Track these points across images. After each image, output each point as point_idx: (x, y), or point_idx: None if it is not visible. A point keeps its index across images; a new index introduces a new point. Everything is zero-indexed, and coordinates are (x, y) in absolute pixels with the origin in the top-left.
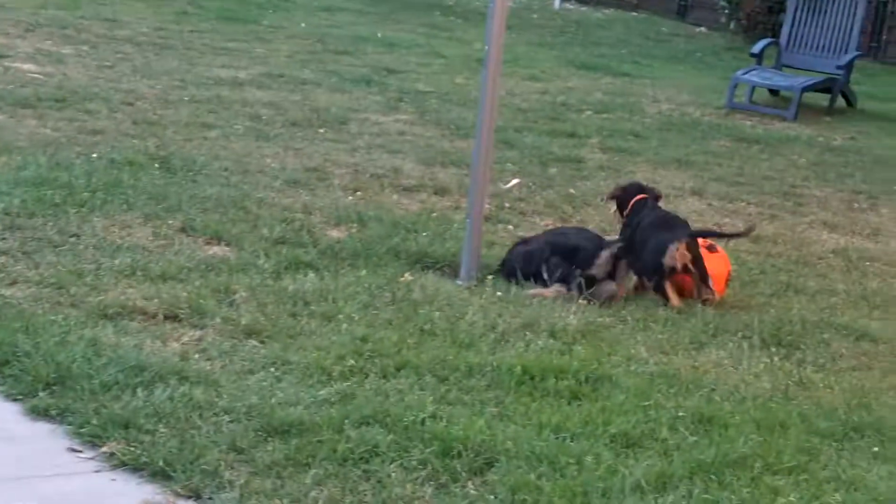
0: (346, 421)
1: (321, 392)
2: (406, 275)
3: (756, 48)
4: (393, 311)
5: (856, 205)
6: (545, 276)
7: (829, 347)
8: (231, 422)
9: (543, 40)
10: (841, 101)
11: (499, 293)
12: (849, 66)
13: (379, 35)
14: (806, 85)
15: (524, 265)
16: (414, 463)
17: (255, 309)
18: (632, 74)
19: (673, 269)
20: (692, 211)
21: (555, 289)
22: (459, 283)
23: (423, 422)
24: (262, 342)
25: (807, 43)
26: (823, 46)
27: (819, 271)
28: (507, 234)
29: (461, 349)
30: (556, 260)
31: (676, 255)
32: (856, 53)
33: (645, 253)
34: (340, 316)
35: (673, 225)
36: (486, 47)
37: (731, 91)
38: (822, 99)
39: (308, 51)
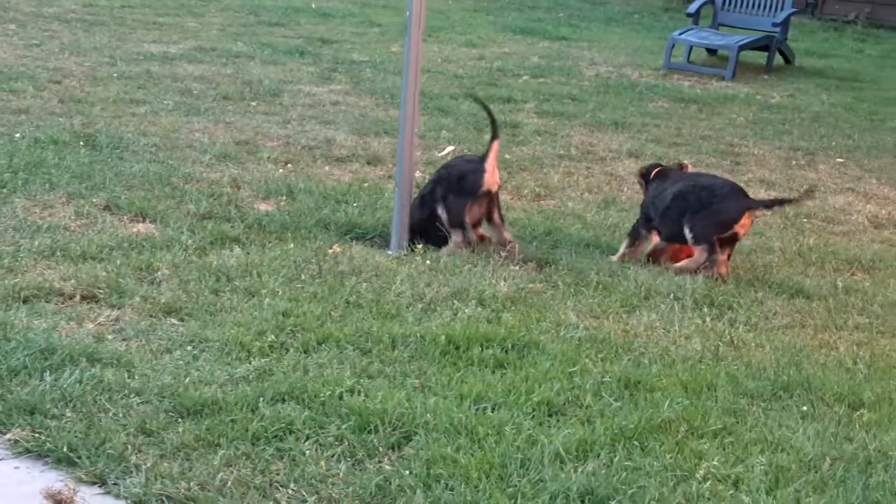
0: (261, 399)
1: (238, 370)
2: (334, 247)
3: (692, 8)
4: (319, 284)
5: (794, 162)
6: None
7: (762, 306)
8: (142, 403)
9: (480, 6)
10: (779, 59)
11: (428, 262)
12: (785, 23)
13: (313, 6)
14: (743, 43)
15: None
16: (330, 439)
17: (176, 286)
18: (569, 38)
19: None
20: (629, 174)
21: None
22: (389, 253)
23: (340, 396)
24: (181, 320)
25: (743, 1)
26: (759, 4)
27: (755, 229)
28: None
29: (386, 320)
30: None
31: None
32: (791, 10)
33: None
34: (264, 291)
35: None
36: (408, 12)
37: (669, 52)
38: (760, 57)
39: (241, 23)
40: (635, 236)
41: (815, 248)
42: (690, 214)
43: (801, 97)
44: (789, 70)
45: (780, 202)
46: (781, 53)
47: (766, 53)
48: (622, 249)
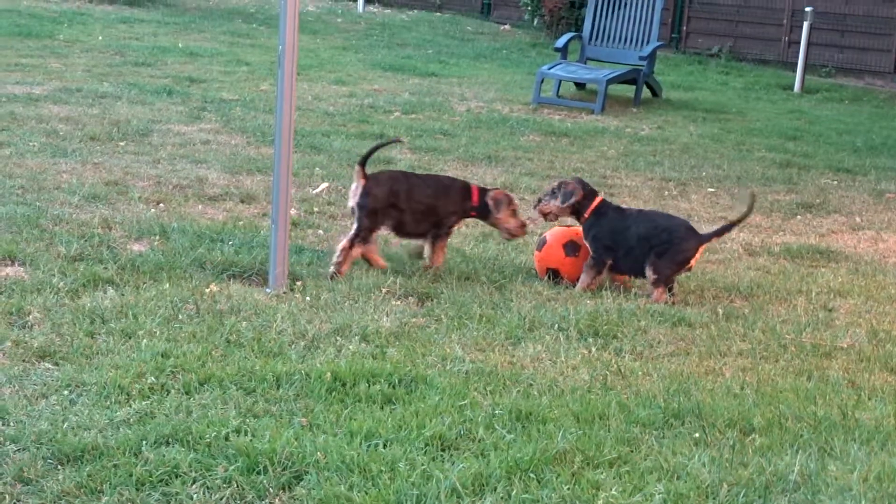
0: (144, 442)
1: (118, 413)
2: (211, 286)
3: (560, 43)
4: (197, 324)
5: (666, 192)
6: None
7: (646, 335)
8: (18, 451)
9: (349, 44)
10: (646, 92)
11: (308, 299)
12: (651, 57)
13: (180, 45)
14: (611, 77)
15: None
16: (217, 482)
17: (49, 330)
18: (439, 74)
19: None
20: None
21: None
22: (268, 291)
23: (226, 437)
24: (55, 364)
25: (609, 35)
26: (625, 38)
27: None
28: (317, 239)
29: (269, 359)
30: None
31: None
32: (657, 44)
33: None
34: (141, 332)
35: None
36: (280, 47)
37: (538, 86)
38: (628, 90)
39: (107, 64)
40: (598, 266)
41: (693, 276)
42: (655, 257)
43: (669, 129)
44: (657, 103)
45: (728, 228)
46: (649, 86)
47: (634, 87)
48: (587, 280)
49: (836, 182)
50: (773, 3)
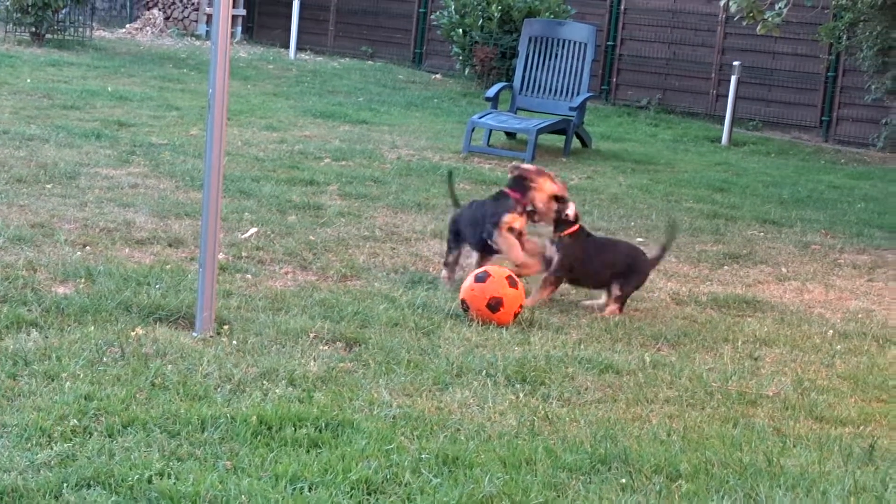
0: (65, 485)
1: (39, 455)
2: (137, 329)
3: (490, 92)
4: (122, 367)
5: None
6: None
7: (573, 381)
8: None
9: (280, 90)
10: (576, 142)
11: (235, 343)
12: (581, 108)
13: (109, 89)
14: (541, 127)
15: None
16: None
17: None
18: (369, 122)
19: None
20: (435, 253)
21: None
22: (195, 335)
23: (149, 480)
24: None
25: (540, 86)
26: (556, 89)
27: (561, 307)
28: (245, 284)
29: (194, 402)
30: None
31: None
32: (587, 95)
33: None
34: (64, 374)
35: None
36: (210, 91)
37: (469, 135)
38: (558, 140)
39: (34, 106)
40: (557, 283)
41: (620, 324)
42: (621, 279)
43: (599, 179)
44: (587, 153)
45: (664, 249)
46: (579, 137)
47: (564, 137)
48: (543, 294)
49: (762, 233)
50: (702, 57)
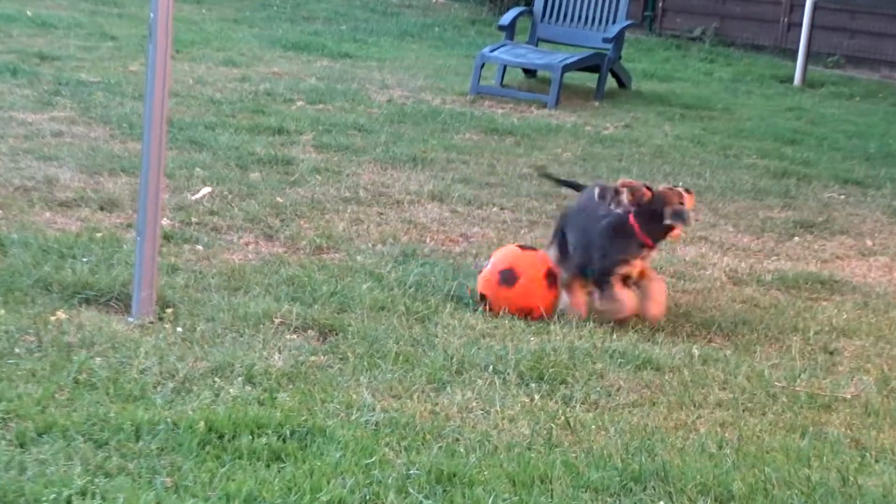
0: None
1: None
2: (58, 312)
3: (505, 19)
4: (38, 360)
5: None
6: None
7: (602, 380)
8: None
9: (241, 16)
10: (611, 82)
11: (181, 330)
12: (618, 39)
13: (29, 13)
14: (567, 63)
15: None
16: None
17: None
18: (354, 55)
19: None
20: (432, 220)
21: None
22: (130, 320)
23: (69, 500)
24: None
25: (566, 12)
26: (586, 16)
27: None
28: (195, 257)
29: (127, 404)
30: None
31: None
32: (625, 23)
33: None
34: None
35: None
36: (152, 16)
37: (477, 72)
38: (589, 79)
39: None
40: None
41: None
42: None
43: (639, 128)
44: (624, 95)
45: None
46: (615, 75)
47: (597, 75)
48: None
49: (843, 196)
50: None
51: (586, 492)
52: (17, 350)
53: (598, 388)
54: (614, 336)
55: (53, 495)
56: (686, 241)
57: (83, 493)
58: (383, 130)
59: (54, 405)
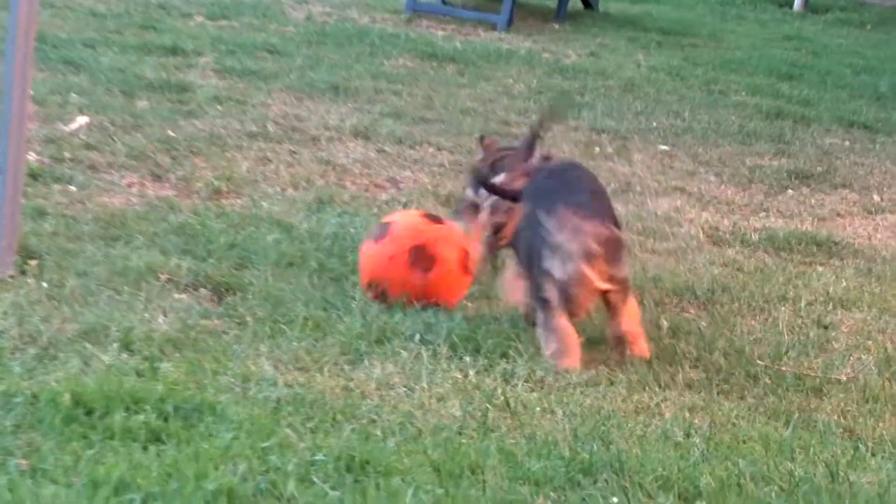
0: None
1: None
2: None
3: None
4: None
5: (597, 149)
6: None
7: None
8: None
9: None
10: (576, 2)
11: (46, 286)
12: None
13: None
14: None
15: None
16: None
17: None
18: None
19: None
20: (355, 161)
21: None
22: None
23: None
24: None
25: None
26: None
27: None
28: (67, 199)
29: None
30: None
31: None
32: None
33: None
34: None
35: None
36: None
37: None
38: None
39: None
40: None
41: (632, 274)
42: None
43: (607, 57)
44: (590, 18)
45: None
46: None
47: None
48: None
49: (846, 142)
50: None
51: (525, 484)
52: None
53: (545, 365)
54: None
55: None
56: (659, 192)
57: None
58: (299, 53)
59: None
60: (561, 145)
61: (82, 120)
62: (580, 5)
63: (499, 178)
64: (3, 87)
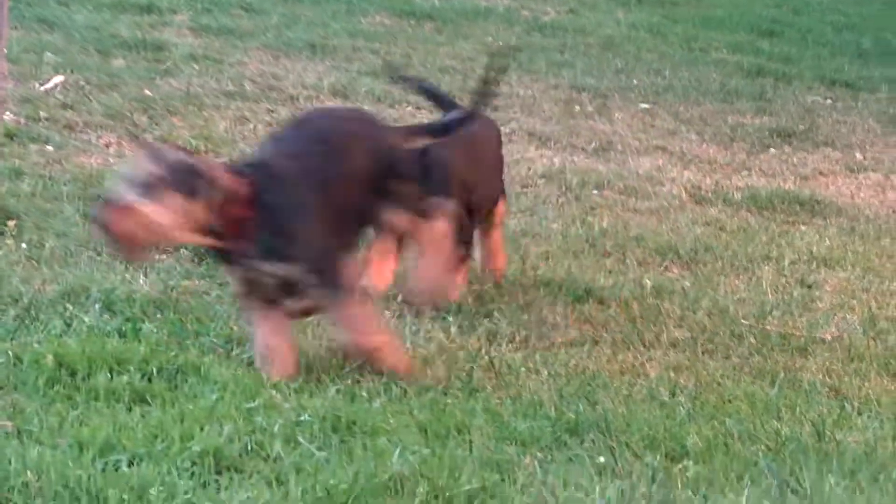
0: None
1: None
2: None
3: None
4: None
5: (577, 107)
6: None
7: (534, 313)
8: None
9: None
10: None
11: (25, 246)
12: None
13: None
14: None
15: None
16: None
17: None
18: None
19: None
20: None
21: None
22: None
23: None
24: None
25: None
26: None
27: (523, 204)
28: (44, 159)
29: None
30: None
31: None
32: None
33: None
34: None
35: None
36: None
37: None
38: None
39: None
40: None
41: (610, 231)
42: None
43: (586, 14)
44: None
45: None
46: None
47: None
48: None
49: (828, 100)
50: None
51: (512, 444)
52: None
53: (530, 324)
54: (550, 262)
55: None
56: (641, 150)
57: None
58: (275, 11)
59: None
60: (542, 103)
61: (58, 79)
62: None
63: None
64: None
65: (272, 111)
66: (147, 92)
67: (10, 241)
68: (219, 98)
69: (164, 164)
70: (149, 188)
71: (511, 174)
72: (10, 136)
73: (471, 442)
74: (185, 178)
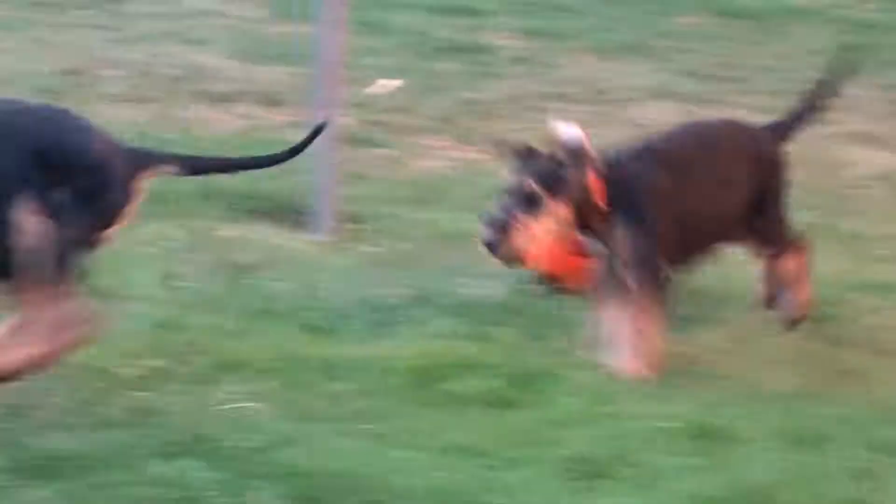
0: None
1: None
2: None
3: None
4: (210, 281)
5: None
6: None
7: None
8: None
9: None
10: None
11: (370, 249)
12: None
13: None
14: None
15: None
16: None
17: None
18: None
19: None
20: (660, 122)
21: None
22: (309, 237)
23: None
24: None
25: None
26: None
27: (853, 207)
28: (381, 163)
29: (314, 337)
30: None
31: None
32: None
33: None
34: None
35: None
36: None
37: None
38: None
39: None
40: None
41: None
42: None
43: None
44: None
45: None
46: None
47: None
48: None
49: None
50: None
51: (877, 452)
52: (180, 272)
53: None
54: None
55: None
56: None
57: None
58: (593, 11)
59: (238, 335)
60: (874, 105)
61: (395, 83)
62: None
63: None
64: (318, 49)
65: (599, 114)
66: (471, 95)
67: (355, 245)
68: (542, 100)
69: (538, 170)
70: (531, 201)
71: (841, 174)
72: (350, 141)
73: (833, 450)
74: (559, 184)
